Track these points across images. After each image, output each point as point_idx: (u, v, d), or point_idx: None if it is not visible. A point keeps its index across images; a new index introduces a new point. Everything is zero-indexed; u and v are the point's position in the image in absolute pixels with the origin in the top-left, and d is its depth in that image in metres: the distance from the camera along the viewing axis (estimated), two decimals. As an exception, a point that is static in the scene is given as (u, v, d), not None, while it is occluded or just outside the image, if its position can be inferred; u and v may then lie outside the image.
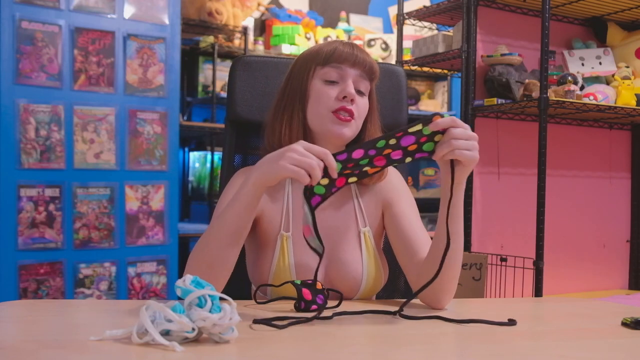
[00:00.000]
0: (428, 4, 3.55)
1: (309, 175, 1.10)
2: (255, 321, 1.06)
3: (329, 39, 4.35)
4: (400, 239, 1.35)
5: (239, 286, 1.43)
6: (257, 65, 1.57)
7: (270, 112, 1.40)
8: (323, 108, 1.32)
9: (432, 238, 1.28)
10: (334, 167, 1.11)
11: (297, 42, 4.16)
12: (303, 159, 1.10)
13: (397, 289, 1.61)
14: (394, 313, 1.18)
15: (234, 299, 0.94)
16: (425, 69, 3.07)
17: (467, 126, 1.16)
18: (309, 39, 4.30)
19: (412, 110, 4.71)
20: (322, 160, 1.11)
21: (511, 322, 1.13)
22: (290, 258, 1.32)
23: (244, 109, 1.54)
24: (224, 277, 1.21)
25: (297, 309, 1.20)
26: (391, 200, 1.39)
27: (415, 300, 1.33)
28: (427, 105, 4.83)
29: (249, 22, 4.18)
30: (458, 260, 1.26)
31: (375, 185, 1.43)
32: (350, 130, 1.33)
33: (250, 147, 1.60)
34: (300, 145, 1.12)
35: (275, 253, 1.32)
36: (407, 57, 3.16)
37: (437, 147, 1.16)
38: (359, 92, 1.35)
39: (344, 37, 4.48)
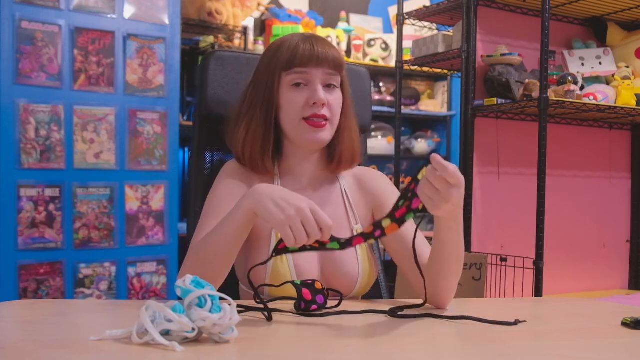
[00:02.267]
0: (428, 4, 3.55)
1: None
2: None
3: (329, 39, 4.35)
4: (399, 244, 1.35)
5: (239, 286, 1.43)
6: (230, 61, 1.55)
7: (233, 117, 1.38)
8: (294, 116, 1.31)
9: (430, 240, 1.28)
10: (327, 240, 1.09)
11: (297, 42, 4.16)
12: (302, 232, 1.06)
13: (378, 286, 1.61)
14: (394, 313, 1.18)
15: (234, 299, 0.94)
16: (425, 69, 3.07)
17: (446, 166, 1.05)
18: (309, 39, 4.29)
19: (412, 110, 4.71)
20: (320, 231, 1.07)
21: (516, 322, 1.14)
22: (288, 255, 1.31)
23: (216, 105, 1.52)
24: (218, 284, 1.20)
25: (297, 309, 1.20)
26: (382, 202, 1.39)
27: (417, 300, 1.33)
28: (427, 105, 4.82)
29: (249, 22, 4.18)
30: (459, 263, 1.26)
31: (363, 184, 1.43)
32: (327, 134, 1.32)
33: (221, 143, 1.56)
34: (307, 207, 1.07)
35: (271, 248, 1.31)
36: (407, 57, 3.16)
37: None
38: (330, 86, 1.33)
39: (343, 37, 4.48)
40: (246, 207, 1.13)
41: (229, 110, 1.50)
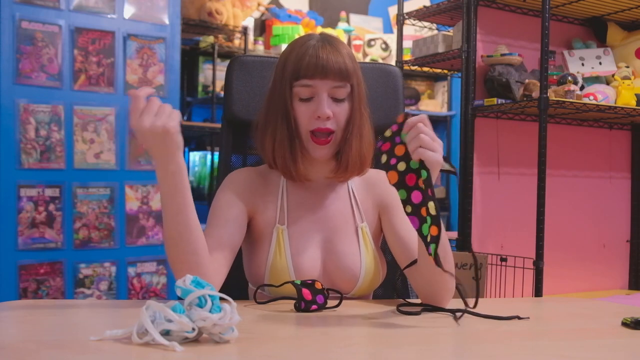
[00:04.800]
0: (428, 4, 3.55)
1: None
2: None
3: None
4: (398, 244, 1.36)
5: (239, 286, 1.43)
6: (254, 65, 1.56)
7: (259, 124, 1.40)
8: (302, 128, 1.33)
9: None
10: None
11: (297, 42, 4.15)
12: (156, 114, 1.11)
13: (395, 286, 1.61)
14: (394, 311, 1.18)
15: (234, 299, 0.94)
16: (425, 69, 3.07)
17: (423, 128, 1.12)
18: (309, 39, 4.29)
19: (412, 110, 4.71)
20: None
21: (513, 317, 1.14)
22: (287, 250, 1.33)
23: (241, 109, 1.54)
24: (201, 256, 1.20)
25: (297, 309, 1.21)
26: (388, 205, 1.40)
27: (419, 300, 1.33)
28: (427, 105, 4.83)
29: (249, 22, 4.19)
30: (448, 260, 1.25)
31: (371, 186, 1.44)
32: (329, 150, 1.34)
33: (247, 147, 1.60)
34: (136, 107, 1.12)
35: (271, 246, 1.33)
36: (407, 57, 3.16)
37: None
38: (336, 100, 1.33)
39: (344, 37, 4.48)
40: (159, 169, 1.16)
41: (254, 114, 1.51)
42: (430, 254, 1.11)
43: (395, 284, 1.40)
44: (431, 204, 1.11)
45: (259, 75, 1.56)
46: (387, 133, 1.16)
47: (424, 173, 1.13)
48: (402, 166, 1.14)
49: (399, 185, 1.14)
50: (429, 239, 1.12)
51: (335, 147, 1.35)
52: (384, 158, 1.14)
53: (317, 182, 1.41)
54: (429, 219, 1.12)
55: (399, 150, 1.14)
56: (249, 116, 1.54)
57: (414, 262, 1.25)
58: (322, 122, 1.31)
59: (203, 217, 1.87)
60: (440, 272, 1.22)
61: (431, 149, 1.11)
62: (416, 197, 1.13)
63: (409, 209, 1.13)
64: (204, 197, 4.03)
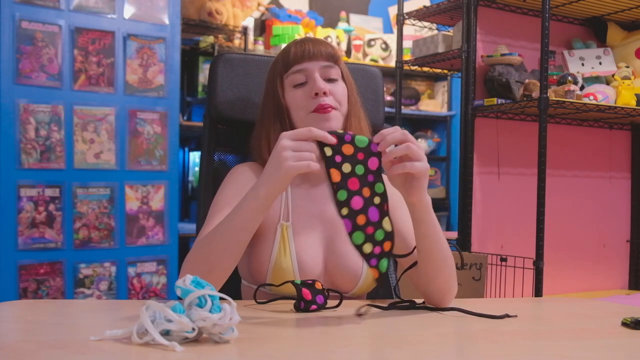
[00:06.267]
0: (428, 4, 3.55)
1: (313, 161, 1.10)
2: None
3: (329, 39, 4.35)
4: (399, 241, 1.35)
5: (239, 286, 1.43)
6: (238, 63, 1.56)
7: (255, 133, 1.43)
8: (302, 113, 1.35)
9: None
10: (326, 135, 1.10)
11: (297, 42, 4.15)
12: (300, 153, 1.10)
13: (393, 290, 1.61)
14: (391, 308, 1.18)
15: (233, 299, 0.94)
16: (425, 69, 3.07)
17: (411, 137, 1.12)
18: (309, 39, 4.29)
19: (412, 110, 4.71)
20: (311, 138, 1.10)
21: (504, 316, 1.15)
22: (292, 246, 1.32)
23: (225, 107, 1.54)
24: (222, 280, 1.21)
25: (297, 308, 1.21)
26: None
27: (420, 300, 1.33)
28: (427, 105, 4.83)
29: (249, 22, 4.18)
30: (448, 260, 1.25)
31: None
32: (336, 121, 1.35)
33: (231, 145, 1.59)
34: (286, 140, 1.11)
35: (275, 242, 1.33)
36: (407, 57, 3.16)
37: (384, 162, 1.12)
38: (331, 80, 1.36)
39: (343, 37, 4.49)
40: (262, 191, 1.14)
41: (238, 113, 1.53)
42: (373, 266, 1.11)
43: (394, 289, 1.40)
44: (387, 220, 1.11)
45: (243, 73, 1.55)
46: (340, 129, 1.17)
47: (379, 187, 1.11)
48: (347, 168, 1.11)
49: (339, 185, 1.11)
50: (378, 252, 1.11)
51: (340, 121, 1.36)
52: (328, 151, 1.10)
53: (312, 178, 1.41)
54: (382, 234, 1.11)
55: (347, 149, 1.11)
56: (233, 114, 1.54)
57: (415, 264, 1.25)
58: (321, 99, 1.33)
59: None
60: (441, 271, 1.23)
61: (417, 159, 1.11)
62: (356, 203, 1.11)
63: (345, 211, 1.11)
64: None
